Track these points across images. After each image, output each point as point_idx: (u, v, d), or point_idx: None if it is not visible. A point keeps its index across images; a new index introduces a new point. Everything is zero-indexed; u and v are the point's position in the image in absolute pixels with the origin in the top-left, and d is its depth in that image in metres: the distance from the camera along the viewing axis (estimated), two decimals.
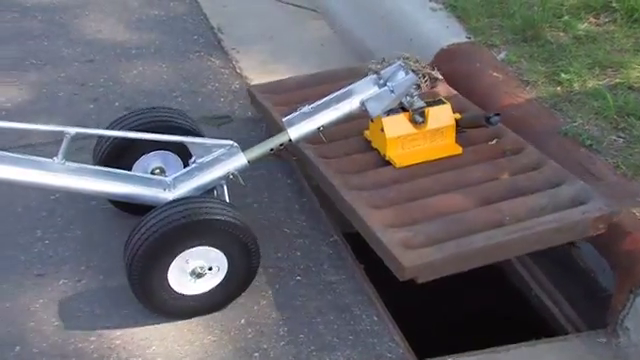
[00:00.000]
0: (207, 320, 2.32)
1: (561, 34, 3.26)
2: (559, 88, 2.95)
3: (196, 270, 2.21)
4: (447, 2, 3.54)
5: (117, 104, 3.30)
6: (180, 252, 2.16)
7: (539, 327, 2.59)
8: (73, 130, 2.25)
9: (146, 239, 2.12)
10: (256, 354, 2.23)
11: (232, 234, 2.20)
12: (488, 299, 2.94)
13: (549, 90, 2.94)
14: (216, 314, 2.34)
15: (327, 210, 2.82)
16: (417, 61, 2.88)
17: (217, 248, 2.20)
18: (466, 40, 3.28)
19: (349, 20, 3.97)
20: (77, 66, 3.56)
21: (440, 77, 2.91)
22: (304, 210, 2.79)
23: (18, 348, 2.21)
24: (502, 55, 3.16)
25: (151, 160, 2.53)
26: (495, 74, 3.01)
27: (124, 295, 2.31)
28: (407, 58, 2.85)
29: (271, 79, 3.47)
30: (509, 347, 2.32)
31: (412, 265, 2.14)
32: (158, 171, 2.53)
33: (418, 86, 2.77)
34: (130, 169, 2.48)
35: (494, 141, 2.65)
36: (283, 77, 3.43)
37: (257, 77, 3.54)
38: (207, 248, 2.19)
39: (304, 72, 3.45)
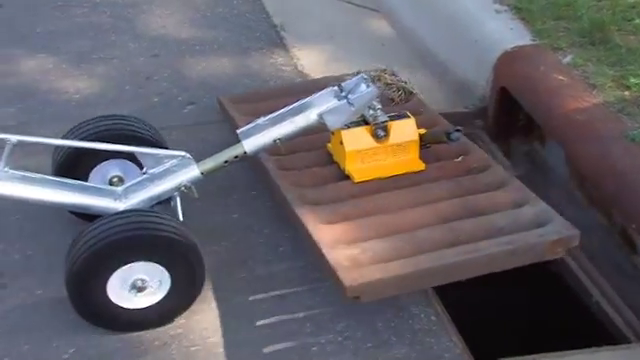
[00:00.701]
0: (266, 313, 2.35)
1: (631, 37, 3.20)
2: (627, 92, 2.89)
3: (137, 284, 2.16)
4: (512, 4, 3.50)
5: (180, 98, 3.36)
6: (122, 265, 2.12)
7: (599, 334, 2.55)
8: (15, 138, 2.23)
9: (88, 248, 2.08)
10: (314, 348, 2.25)
11: (175, 251, 2.15)
12: (545, 303, 2.91)
13: (617, 94, 2.88)
14: (274, 306, 2.37)
15: None
16: (393, 74, 2.82)
17: (159, 264, 2.14)
18: (531, 43, 3.24)
19: (411, 20, 3.96)
20: (143, 60, 3.63)
21: (415, 91, 2.85)
22: None
23: (82, 331, 2.27)
24: (568, 59, 3.11)
25: (110, 168, 2.49)
26: (560, 77, 2.97)
27: None
28: (384, 71, 2.80)
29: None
30: (568, 353, 2.29)
31: (354, 284, 2.08)
32: (116, 180, 2.49)
33: (392, 100, 2.72)
34: (87, 177, 2.45)
35: (460, 158, 2.61)
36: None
37: (318, 75, 3.55)
38: (149, 263, 2.14)
39: (369, 69, 3.47)
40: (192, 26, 3.98)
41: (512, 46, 3.22)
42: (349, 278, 2.08)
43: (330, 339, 2.27)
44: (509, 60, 3.18)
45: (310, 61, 3.68)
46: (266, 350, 2.24)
